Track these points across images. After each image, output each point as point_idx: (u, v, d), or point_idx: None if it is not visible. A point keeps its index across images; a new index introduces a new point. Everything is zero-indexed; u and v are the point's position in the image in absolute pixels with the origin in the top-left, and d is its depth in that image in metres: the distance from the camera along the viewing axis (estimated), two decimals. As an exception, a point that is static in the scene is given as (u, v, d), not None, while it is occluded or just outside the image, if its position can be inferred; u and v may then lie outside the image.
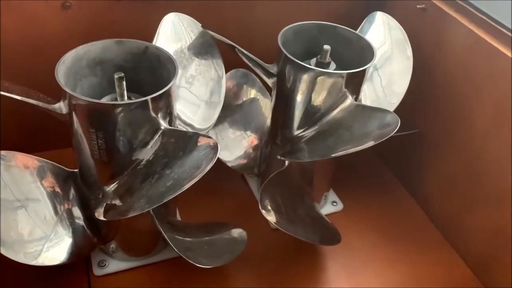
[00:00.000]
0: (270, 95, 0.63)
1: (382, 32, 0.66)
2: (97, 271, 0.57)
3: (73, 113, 0.46)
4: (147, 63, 0.51)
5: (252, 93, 0.69)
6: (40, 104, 0.47)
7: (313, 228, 0.62)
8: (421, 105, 0.68)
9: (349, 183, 0.72)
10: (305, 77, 0.54)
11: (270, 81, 0.60)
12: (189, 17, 0.58)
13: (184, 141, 0.47)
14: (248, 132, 0.68)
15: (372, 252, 0.64)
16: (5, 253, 0.46)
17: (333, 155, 0.55)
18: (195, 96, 0.57)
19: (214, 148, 0.45)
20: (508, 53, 0.54)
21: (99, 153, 0.47)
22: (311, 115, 0.57)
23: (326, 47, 0.56)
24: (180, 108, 0.55)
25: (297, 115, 0.58)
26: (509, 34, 0.55)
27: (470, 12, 0.60)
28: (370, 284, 0.61)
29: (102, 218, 0.50)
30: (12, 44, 0.60)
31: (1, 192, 0.48)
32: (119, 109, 0.44)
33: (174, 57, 0.49)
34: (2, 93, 0.45)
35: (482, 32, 0.58)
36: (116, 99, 0.48)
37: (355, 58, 0.57)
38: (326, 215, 0.67)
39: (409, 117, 0.60)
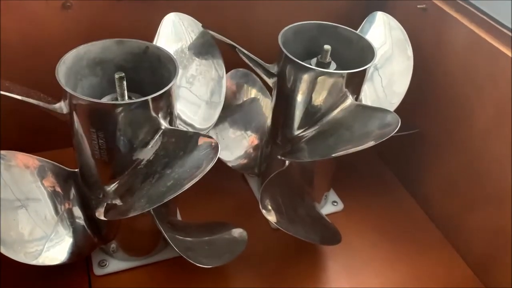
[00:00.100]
0: (271, 95, 0.63)
1: (383, 32, 0.66)
2: (98, 271, 0.57)
3: (74, 113, 0.46)
4: (148, 63, 0.51)
5: (253, 93, 0.69)
6: (41, 104, 0.47)
7: (314, 228, 0.62)
8: (422, 105, 0.68)
9: (349, 183, 0.72)
10: (306, 77, 0.54)
11: (270, 81, 0.60)
12: (189, 17, 0.58)
13: (184, 141, 0.47)
14: (249, 132, 0.68)
15: (372, 252, 0.64)
16: (6, 252, 0.46)
17: (333, 155, 0.55)
18: (196, 96, 0.57)
19: (215, 148, 0.45)
20: (508, 53, 0.54)
21: (99, 153, 0.47)
22: (312, 115, 0.57)
23: (327, 47, 0.56)
24: (181, 108, 0.55)
25: (298, 115, 0.58)
26: (510, 34, 0.55)
27: (471, 12, 0.60)
28: (371, 284, 0.61)
29: (102, 218, 0.50)
30: (13, 44, 0.60)
31: (1, 192, 0.48)
32: (120, 109, 0.44)
33: (175, 57, 0.50)
34: (3, 93, 0.45)
35: (483, 32, 0.58)
36: (116, 99, 0.48)
37: (356, 58, 0.57)
38: (327, 215, 0.67)
39: (409, 117, 0.60)
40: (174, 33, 0.57)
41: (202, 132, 0.52)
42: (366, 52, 0.57)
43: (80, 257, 0.56)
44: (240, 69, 0.67)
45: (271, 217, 0.55)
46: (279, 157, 0.60)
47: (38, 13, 0.60)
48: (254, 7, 0.69)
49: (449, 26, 0.63)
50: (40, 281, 0.55)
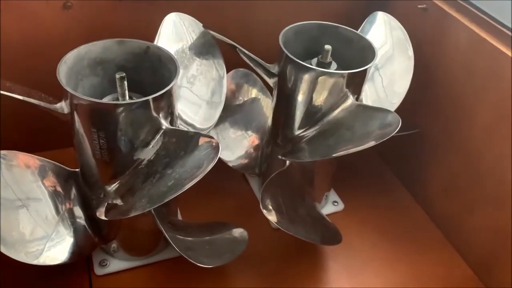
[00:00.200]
0: (271, 95, 0.63)
1: (383, 32, 0.66)
2: (98, 271, 0.57)
3: (75, 113, 0.46)
4: (149, 63, 0.51)
5: (253, 93, 0.69)
6: (42, 104, 0.47)
7: (314, 228, 0.62)
8: (422, 105, 0.68)
9: (350, 183, 0.72)
10: (306, 77, 0.54)
11: (271, 81, 0.60)
12: (190, 17, 0.59)
13: (185, 141, 0.47)
14: (249, 132, 0.68)
15: (373, 252, 0.64)
16: (7, 252, 0.46)
17: (334, 155, 0.55)
18: (196, 96, 0.57)
19: (215, 148, 0.45)
20: (509, 52, 0.54)
21: (100, 153, 0.47)
22: (312, 115, 0.57)
23: (327, 47, 0.56)
24: (182, 108, 0.55)
25: (298, 115, 0.58)
26: (510, 34, 0.55)
27: (471, 12, 0.60)
28: (371, 284, 0.61)
29: (103, 217, 0.50)
30: (13, 44, 0.60)
31: (2, 192, 0.48)
32: (121, 109, 0.44)
33: (176, 57, 0.50)
34: (4, 93, 0.45)
35: (483, 32, 0.58)
36: (117, 99, 0.48)
37: (356, 58, 0.57)
38: (327, 215, 0.67)
39: (410, 117, 0.60)
40: (175, 33, 0.57)
41: (202, 132, 0.52)
42: (366, 52, 0.57)
43: (81, 257, 0.56)
44: (241, 69, 0.67)
45: (272, 217, 0.55)
46: (279, 157, 0.60)
47: (39, 13, 0.60)
48: (254, 7, 0.69)
49: (450, 26, 0.63)
50: (40, 281, 0.55)
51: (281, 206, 0.58)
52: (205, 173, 0.43)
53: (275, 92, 0.60)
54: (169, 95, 0.47)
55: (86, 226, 0.55)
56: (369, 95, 0.63)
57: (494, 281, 0.60)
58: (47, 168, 0.53)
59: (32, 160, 0.52)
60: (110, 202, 0.50)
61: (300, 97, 0.56)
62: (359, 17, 0.67)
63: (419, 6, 0.67)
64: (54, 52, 0.49)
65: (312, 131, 0.58)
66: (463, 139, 0.63)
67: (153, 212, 0.52)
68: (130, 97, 0.49)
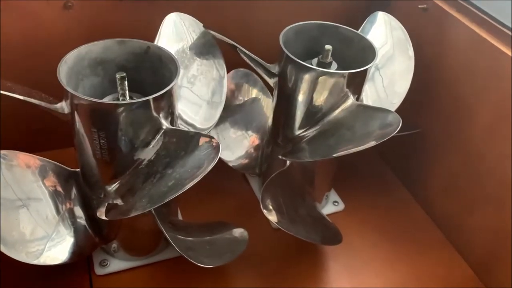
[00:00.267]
0: (272, 95, 0.63)
1: (384, 32, 0.66)
2: (99, 271, 0.57)
3: (75, 112, 0.46)
4: (149, 63, 0.51)
5: (254, 93, 0.69)
6: (42, 103, 0.47)
7: (315, 228, 0.62)
8: (423, 105, 0.68)
9: (350, 183, 0.72)
10: (307, 77, 0.54)
11: (271, 81, 0.60)
12: (190, 17, 0.59)
13: (185, 141, 0.47)
14: (250, 132, 0.68)
15: (373, 252, 0.64)
16: (7, 252, 0.46)
17: (334, 155, 0.55)
18: (197, 96, 0.57)
19: (216, 148, 0.45)
20: (509, 52, 0.54)
21: (101, 153, 0.47)
22: (313, 115, 0.57)
23: (328, 47, 0.56)
24: (182, 108, 0.55)
25: (299, 115, 0.58)
26: (510, 33, 0.55)
27: (472, 12, 0.60)
28: (372, 284, 0.61)
29: (103, 217, 0.50)
30: (13, 44, 0.60)
31: (3, 192, 0.48)
32: (121, 108, 0.44)
33: (176, 57, 0.50)
34: (5, 93, 0.45)
35: (484, 32, 0.58)
36: (118, 99, 0.48)
37: (357, 58, 0.57)
38: (328, 215, 0.67)
39: (410, 117, 0.60)
40: (175, 33, 0.57)
41: (203, 132, 0.52)
42: (367, 52, 0.57)
43: (81, 257, 0.56)
44: (241, 69, 0.67)
45: (272, 217, 0.55)
46: (280, 157, 0.60)
47: (39, 13, 0.60)
48: (254, 7, 0.69)
49: (450, 26, 0.63)
50: (41, 281, 0.55)
51: (282, 206, 0.58)
52: (206, 173, 0.43)
53: (275, 92, 0.60)
54: (169, 95, 0.47)
55: (87, 226, 0.55)
56: (370, 95, 0.63)
57: (494, 281, 0.60)
58: (48, 168, 0.53)
59: (33, 160, 0.52)
60: (110, 202, 0.50)
61: (301, 97, 0.56)
62: (359, 17, 0.67)
63: (419, 6, 0.67)
64: (55, 52, 0.49)
65: (313, 131, 0.58)
66: (463, 139, 0.63)
67: (153, 212, 0.52)
68: (131, 97, 0.49)
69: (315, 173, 0.65)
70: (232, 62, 0.63)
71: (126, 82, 0.47)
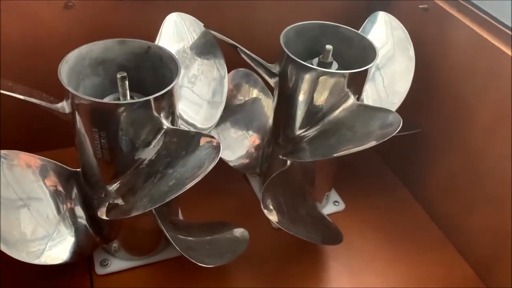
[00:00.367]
0: (272, 94, 0.63)
1: (384, 32, 0.66)
2: (100, 270, 0.57)
3: (76, 112, 0.46)
4: (150, 63, 0.51)
5: (254, 93, 0.69)
6: (43, 103, 0.47)
7: (315, 228, 0.62)
8: (423, 105, 0.68)
9: (351, 183, 0.72)
10: (307, 77, 0.54)
11: (272, 81, 0.60)
12: (191, 16, 0.59)
13: (186, 141, 0.47)
14: (250, 132, 0.68)
15: (373, 252, 0.64)
16: (8, 252, 0.46)
17: (335, 155, 0.55)
18: (198, 95, 0.57)
19: (216, 147, 0.45)
20: (510, 52, 0.54)
21: (101, 153, 0.47)
22: (313, 114, 0.57)
23: (328, 47, 0.56)
24: (183, 107, 0.55)
25: (299, 114, 0.58)
26: (511, 33, 0.55)
27: (472, 11, 0.60)
28: (372, 284, 0.61)
29: (104, 217, 0.50)
30: (14, 44, 0.60)
31: (4, 191, 0.48)
32: (122, 108, 0.44)
33: (177, 56, 0.50)
34: (5, 92, 0.45)
35: (484, 31, 0.58)
36: (118, 99, 0.48)
37: (357, 58, 0.57)
38: (328, 214, 0.67)
39: (411, 117, 0.60)
40: (176, 33, 0.57)
41: (204, 132, 0.52)
42: (367, 52, 0.57)
43: (82, 257, 0.56)
44: (242, 69, 0.67)
45: (273, 217, 0.55)
46: (280, 157, 0.60)
47: (40, 13, 0.60)
48: (255, 7, 0.69)
49: (451, 26, 0.63)
50: (41, 281, 0.55)
51: (282, 206, 0.58)
52: (206, 172, 0.43)
53: (276, 92, 0.60)
54: (170, 95, 0.47)
55: (87, 226, 0.55)
56: (370, 95, 0.63)
57: (495, 281, 0.60)
58: (48, 167, 0.53)
59: (33, 159, 0.52)
60: (111, 201, 0.50)
61: (301, 97, 0.56)
62: (360, 17, 0.67)
63: (420, 6, 0.67)
64: (55, 52, 0.49)
65: (313, 131, 0.58)
66: (463, 139, 0.63)
67: (154, 211, 0.52)
68: (131, 97, 0.49)
69: (316, 173, 0.65)
70: (233, 62, 0.63)
71: (126, 82, 0.47)
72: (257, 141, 0.68)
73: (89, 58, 0.50)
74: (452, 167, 0.65)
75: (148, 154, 0.48)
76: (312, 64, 0.56)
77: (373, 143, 0.51)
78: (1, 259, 0.46)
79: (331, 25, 0.60)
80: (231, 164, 0.65)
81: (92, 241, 0.55)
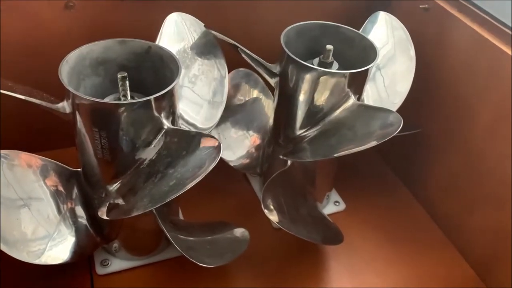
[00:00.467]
0: (273, 94, 0.63)
1: (385, 32, 0.66)
2: (100, 270, 0.57)
3: (77, 112, 0.46)
4: (150, 63, 0.51)
5: (255, 93, 0.69)
6: (44, 103, 0.47)
7: (316, 228, 0.62)
8: (424, 105, 0.68)
9: (351, 183, 0.72)
10: (308, 77, 0.54)
11: (272, 81, 0.60)
12: (192, 16, 0.59)
13: (187, 141, 0.47)
14: (251, 132, 0.68)
15: (374, 252, 0.64)
16: (9, 251, 0.46)
17: (335, 155, 0.55)
18: (198, 95, 0.57)
19: (217, 147, 0.45)
20: (510, 52, 0.54)
21: (102, 153, 0.47)
22: (314, 114, 0.57)
23: (329, 47, 0.56)
24: (183, 107, 0.55)
25: (300, 114, 0.58)
26: (511, 33, 0.55)
27: (473, 11, 0.60)
28: (372, 284, 0.61)
29: (105, 217, 0.50)
30: (14, 44, 0.60)
31: (4, 191, 0.48)
32: (122, 108, 0.44)
33: (177, 56, 0.50)
34: (6, 92, 0.45)
35: (485, 31, 0.58)
36: (119, 99, 0.48)
37: (358, 58, 0.57)
38: (329, 214, 0.67)
39: (411, 117, 0.60)
40: (177, 33, 0.57)
41: (204, 132, 0.52)
42: (368, 52, 0.57)
43: (83, 257, 0.56)
44: (242, 69, 0.67)
45: (273, 217, 0.55)
46: (281, 157, 0.60)
47: (40, 13, 0.60)
48: (255, 7, 0.69)
49: (451, 26, 0.62)
50: (42, 281, 0.55)
51: (283, 206, 0.58)
52: (207, 172, 0.43)
53: (276, 92, 0.60)
54: (170, 95, 0.47)
55: (88, 226, 0.55)
56: (371, 95, 0.63)
57: (495, 281, 0.60)
58: (49, 167, 0.53)
59: (34, 159, 0.52)
60: (111, 201, 0.50)
61: (302, 97, 0.56)
62: (360, 17, 0.67)
63: (420, 6, 0.67)
64: (55, 52, 0.49)
65: (314, 131, 0.58)
66: (464, 139, 0.63)
67: (154, 211, 0.52)
68: (132, 97, 0.49)
69: (316, 173, 0.65)
70: (233, 62, 0.63)
71: (127, 82, 0.47)
72: (258, 141, 0.68)
73: (89, 58, 0.50)
74: (453, 167, 0.65)
75: (149, 154, 0.48)
76: (313, 64, 0.56)
77: (373, 143, 0.51)
78: (1, 259, 0.46)
79: (331, 25, 0.60)
80: (232, 164, 0.65)
81: (93, 241, 0.55)
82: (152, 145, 0.48)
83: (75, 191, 0.54)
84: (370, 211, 0.70)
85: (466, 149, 0.62)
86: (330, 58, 0.57)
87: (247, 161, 0.67)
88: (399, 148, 0.74)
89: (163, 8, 0.58)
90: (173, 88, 0.46)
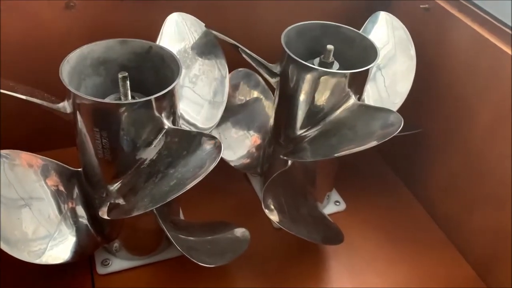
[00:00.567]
0: (273, 94, 0.63)
1: (386, 32, 0.66)
2: (101, 270, 0.57)
3: (77, 112, 0.46)
4: (151, 63, 0.51)
5: (255, 93, 0.69)
6: (45, 103, 0.47)
7: (316, 228, 0.62)
8: (424, 105, 0.68)
9: (352, 183, 0.72)
10: (308, 77, 0.54)
11: (273, 81, 0.60)
12: (192, 17, 0.59)
13: (187, 141, 0.48)
14: (251, 132, 0.68)
15: (374, 252, 0.64)
16: (9, 251, 0.46)
17: (336, 155, 0.55)
18: (199, 95, 0.57)
19: (218, 147, 0.45)
20: (510, 52, 0.54)
21: (103, 152, 0.47)
22: (314, 114, 0.57)
23: (330, 47, 0.56)
24: (184, 107, 0.55)
25: (300, 114, 0.58)
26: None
27: (474, 11, 0.60)
28: (373, 284, 0.61)
29: (105, 217, 0.50)
30: (14, 44, 0.60)
31: (5, 191, 0.48)
32: (123, 108, 0.44)
33: (178, 56, 0.50)
34: (7, 92, 0.45)
35: (486, 31, 0.58)
36: (120, 99, 0.48)
37: (358, 58, 0.57)
38: (329, 214, 0.67)
39: (412, 117, 0.60)
40: (177, 33, 0.57)
41: (205, 132, 0.52)
42: (369, 52, 0.57)
43: (83, 256, 0.56)
44: (243, 69, 0.67)
45: (274, 217, 0.55)
46: (281, 156, 0.60)
47: (40, 13, 0.60)
48: (256, 7, 0.69)
49: (452, 26, 0.63)
50: (43, 280, 0.55)
51: (283, 205, 0.58)
52: (207, 172, 0.43)
53: (277, 92, 0.60)
54: (171, 95, 0.47)
55: (89, 226, 0.55)
56: (371, 95, 0.63)
57: (495, 281, 0.60)
58: (50, 167, 0.53)
59: (35, 159, 0.52)
60: (112, 201, 0.50)
61: (302, 97, 0.56)
62: (360, 17, 0.67)
63: (421, 6, 0.67)
64: (56, 52, 0.49)
65: (314, 131, 0.58)
66: (464, 139, 0.63)
67: (155, 211, 0.52)
68: (133, 97, 0.49)
69: (317, 173, 0.65)
70: (234, 62, 0.63)
71: (128, 82, 0.47)
72: (258, 141, 0.68)
73: (90, 58, 0.50)
74: (453, 167, 0.65)
75: (149, 154, 0.48)
76: (313, 64, 0.56)
77: (374, 143, 0.51)
78: (2, 259, 0.46)
79: (332, 25, 0.60)
80: (232, 164, 0.65)
81: (93, 240, 0.55)
82: (153, 145, 0.48)
83: (76, 191, 0.54)
84: (371, 211, 0.70)
85: (466, 149, 0.63)
86: (331, 58, 0.57)
87: (248, 161, 0.67)
88: (399, 148, 0.74)
89: (163, 8, 0.58)
90: (173, 88, 0.46)
